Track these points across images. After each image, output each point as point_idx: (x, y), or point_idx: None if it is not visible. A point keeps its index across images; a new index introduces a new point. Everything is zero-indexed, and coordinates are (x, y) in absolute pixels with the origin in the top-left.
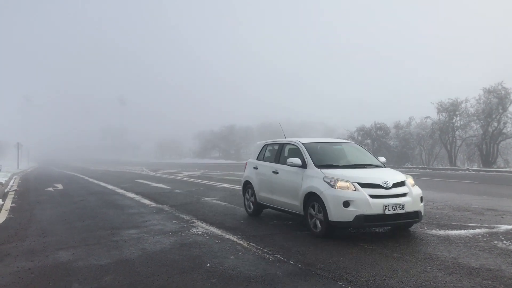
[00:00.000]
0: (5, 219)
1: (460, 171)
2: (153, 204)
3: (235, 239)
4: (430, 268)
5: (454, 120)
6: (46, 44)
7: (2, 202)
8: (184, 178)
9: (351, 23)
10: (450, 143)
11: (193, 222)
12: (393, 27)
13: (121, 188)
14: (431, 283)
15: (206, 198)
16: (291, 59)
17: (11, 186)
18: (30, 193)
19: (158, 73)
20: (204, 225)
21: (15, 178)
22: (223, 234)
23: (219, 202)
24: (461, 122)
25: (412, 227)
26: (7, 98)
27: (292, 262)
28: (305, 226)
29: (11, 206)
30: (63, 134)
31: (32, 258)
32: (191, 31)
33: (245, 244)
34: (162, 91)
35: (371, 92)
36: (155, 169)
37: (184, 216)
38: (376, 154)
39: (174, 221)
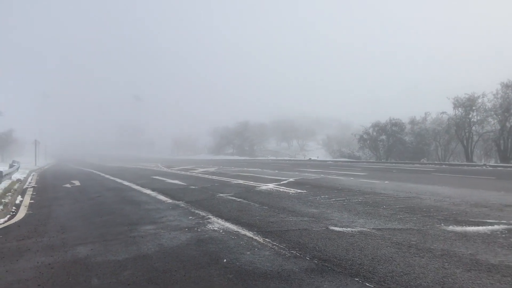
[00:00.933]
0: (25, 215)
1: (477, 167)
2: (169, 200)
3: (251, 235)
4: (448, 265)
5: (470, 115)
6: (63, 43)
7: (21, 199)
8: (199, 175)
9: (366, 21)
10: (467, 138)
11: (209, 218)
12: (408, 23)
13: (137, 184)
14: (449, 279)
15: (221, 194)
16: (305, 57)
17: (29, 182)
18: (48, 189)
19: (173, 71)
20: (219, 221)
21: (33, 175)
22: (239, 230)
23: (234, 198)
24: (478, 117)
25: (429, 223)
26: (25, 96)
27: (308, 258)
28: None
29: (30, 203)
30: (79, 131)
31: (51, 254)
32: (207, 30)
33: (261, 240)
34: (177, 89)
35: (386, 89)
36: (170, 166)
37: (200, 212)
38: (391, 150)
39: (190, 217)
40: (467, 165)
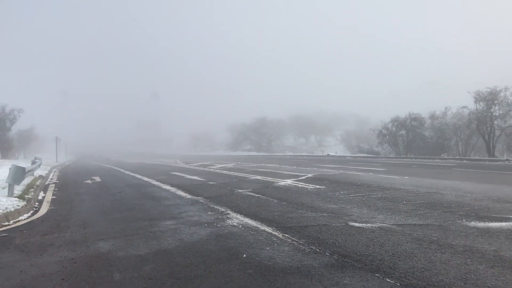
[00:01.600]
0: (47, 211)
1: (499, 162)
2: (188, 196)
3: (270, 231)
4: (471, 261)
5: (492, 110)
6: (83, 42)
7: (44, 194)
8: (217, 170)
9: (385, 15)
10: (488, 133)
11: (228, 214)
12: (425, 18)
13: (157, 180)
14: (472, 276)
15: (239, 190)
16: (323, 52)
17: (51, 178)
18: (69, 185)
19: (191, 68)
20: (238, 216)
21: (54, 171)
22: (258, 226)
23: (253, 194)
24: (500, 111)
25: (450, 219)
26: (46, 94)
27: (328, 254)
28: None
29: (52, 198)
30: (99, 128)
31: (74, 248)
32: (224, 27)
33: (280, 236)
34: (195, 85)
35: (405, 83)
36: (188, 162)
37: (219, 207)
38: (410, 145)
39: (209, 213)
40: (489, 160)
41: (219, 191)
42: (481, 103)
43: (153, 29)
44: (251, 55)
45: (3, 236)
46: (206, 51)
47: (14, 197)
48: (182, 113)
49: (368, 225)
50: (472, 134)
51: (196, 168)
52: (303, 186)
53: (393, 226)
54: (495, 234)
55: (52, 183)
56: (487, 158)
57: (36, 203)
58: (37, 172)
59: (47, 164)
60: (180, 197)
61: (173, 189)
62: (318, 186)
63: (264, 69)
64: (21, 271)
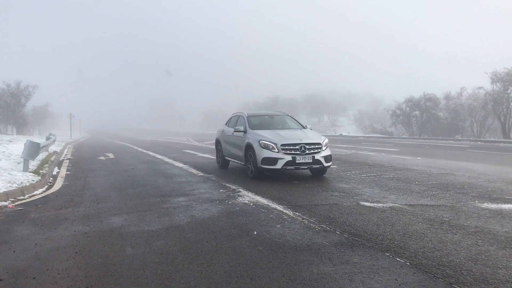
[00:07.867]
0: (61, 186)
1: None
2: (200, 174)
3: (281, 209)
4: (482, 242)
5: (509, 91)
6: (97, 19)
7: (58, 170)
8: None
9: None
10: (504, 114)
11: (239, 192)
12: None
13: (169, 157)
14: (483, 256)
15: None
16: (337, 31)
17: (65, 155)
18: (83, 161)
19: (204, 46)
20: (250, 194)
21: (68, 148)
22: (269, 204)
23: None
24: None
25: (463, 200)
26: (60, 71)
27: (338, 232)
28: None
29: (66, 174)
30: (112, 105)
31: (87, 223)
32: (238, 4)
33: (291, 214)
34: (207, 63)
35: (421, 62)
36: (201, 140)
37: (230, 185)
38: (424, 126)
39: (221, 190)
40: (504, 142)
41: (230, 169)
42: (498, 84)
43: (166, 4)
44: (265, 32)
45: (19, 210)
46: (220, 27)
47: (29, 172)
48: (195, 91)
49: (379, 205)
50: (488, 116)
51: (209, 146)
52: None
53: (405, 206)
54: (508, 215)
55: (66, 159)
56: (502, 140)
57: (51, 178)
58: (52, 148)
59: (61, 140)
60: (192, 174)
61: (185, 167)
62: None
63: (278, 46)
64: (36, 244)
